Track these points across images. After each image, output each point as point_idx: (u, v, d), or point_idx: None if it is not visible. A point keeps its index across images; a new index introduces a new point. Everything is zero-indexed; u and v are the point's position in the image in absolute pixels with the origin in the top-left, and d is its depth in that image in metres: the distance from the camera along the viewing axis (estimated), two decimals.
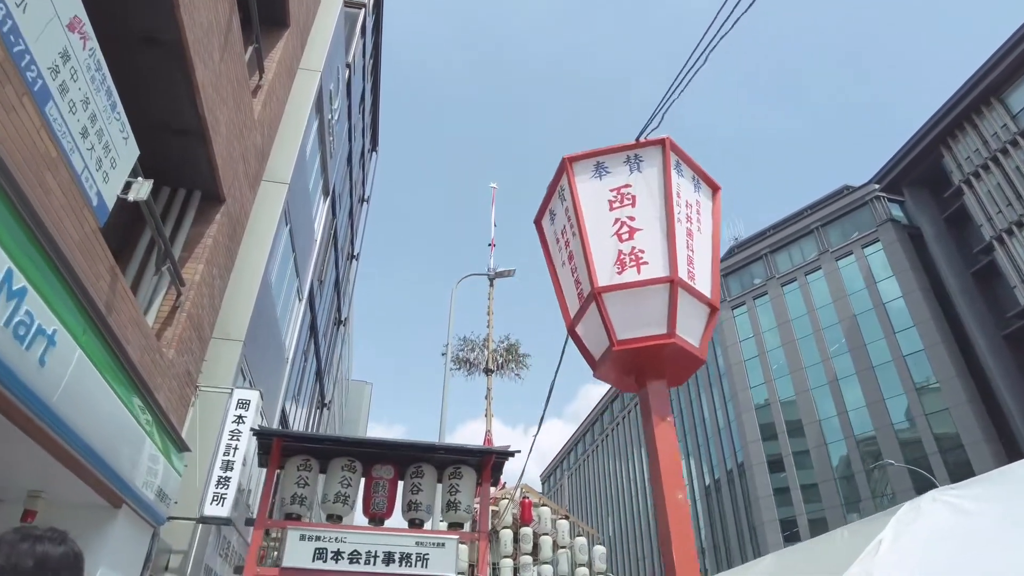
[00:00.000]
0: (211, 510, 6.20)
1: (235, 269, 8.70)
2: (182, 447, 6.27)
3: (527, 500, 18.65)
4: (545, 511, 18.14)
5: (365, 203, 26.96)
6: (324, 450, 6.55)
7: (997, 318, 33.33)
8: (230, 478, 6.37)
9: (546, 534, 17.77)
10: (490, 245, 24.66)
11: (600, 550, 17.98)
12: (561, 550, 17.67)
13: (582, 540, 17.99)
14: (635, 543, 57.68)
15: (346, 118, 17.26)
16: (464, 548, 7.43)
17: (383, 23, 24.35)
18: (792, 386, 40.66)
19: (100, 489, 4.73)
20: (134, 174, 4.77)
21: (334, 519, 6.32)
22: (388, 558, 6.09)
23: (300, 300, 12.85)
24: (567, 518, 18.72)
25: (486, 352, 25.79)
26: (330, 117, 13.27)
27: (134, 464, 5.25)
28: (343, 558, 6.00)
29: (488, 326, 25.87)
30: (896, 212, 40.29)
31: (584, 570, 17.57)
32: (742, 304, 45.96)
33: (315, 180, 13.06)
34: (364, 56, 21.28)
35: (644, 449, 56.85)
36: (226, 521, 6.28)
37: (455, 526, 6.56)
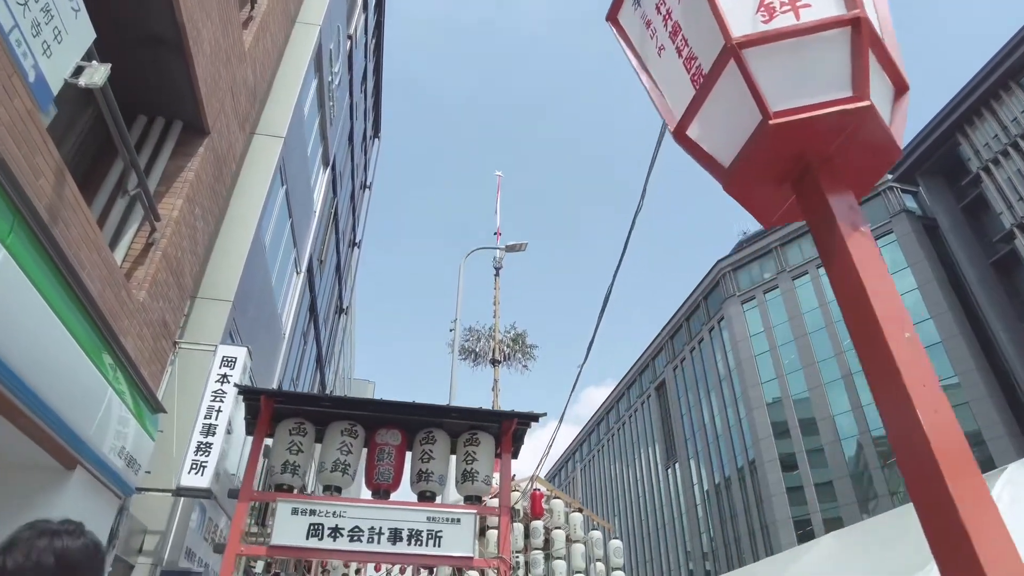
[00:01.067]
0: (189, 480, 5.34)
1: (225, 222, 7.88)
2: (156, 407, 5.41)
3: (538, 492, 17.75)
4: (557, 504, 17.22)
5: (367, 189, 26.13)
6: (321, 413, 5.68)
7: (1018, 309, 32.37)
8: (212, 444, 5.52)
9: (558, 528, 16.87)
10: (496, 234, 23.88)
11: (617, 544, 17.08)
12: (575, 544, 16.76)
13: (597, 534, 17.09)
14: (645, 542, 56.64)
15: (347, 92, 16.43)
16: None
17: (385, 8, 23.58)
18: (804, 381, 39.71)
19: (44, 442, 3.86)
20: (89, 58, 3.92)
21: (332, 491, 5.44)
22: (395, 535, 5.22)
23: (298, 273, 12.00)
24: (581, 511, 17.83)
25: (492, 342, 25.02)
26: (330, 79, 12.43)
27: (93, 420, 4.39)
28: (342, 535, 5.12)
29: (495, 316, 25.06)
30: (909, 203, 39.39)
31: (600, 565, 16.67)
32: (752, 299, 45.04)
33: (314, 145, 12.21)
34: (367, 33, 20.47)
35: (654, 446, 55.87)
36: (205, 493, 5.41)
37: (472, 500, 5.68)
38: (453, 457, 6.00)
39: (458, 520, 5.42)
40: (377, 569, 21.73)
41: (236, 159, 7.28)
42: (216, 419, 5.64)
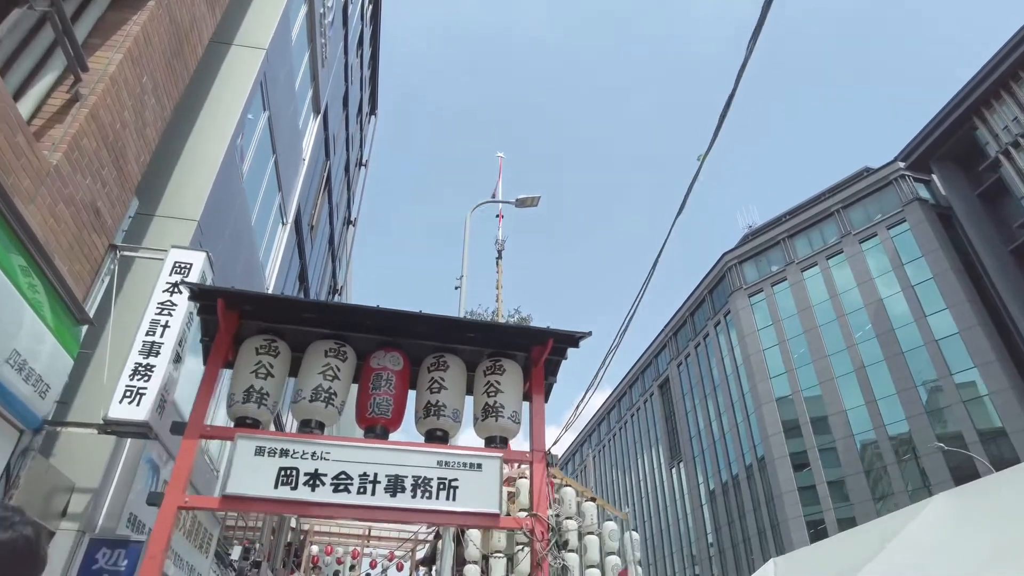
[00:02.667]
0: (120, 411, 4.01)
1: (194, 133, 6.60)
2: (80, 318, 4.07)
3: (550, 480, 16.40)
4: (568, 492, 15.89)
5: (363, 167, 24.82)
6: (300, 332, 4.36)
7: None
8: (153, 368, 4.19)
9: (570, 518, 15.54)
10: (498, 216, 22.58)
11: (634, 536, 15.75)
12: (588, 537, 15.43)
13: (612, 525, 15.75)
14: (649, 544, 55.14)
15: (341, 45, 15.15)
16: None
17: None
18: (815, 375, 38.42)
19: None
20: None
21: (313, 428, 4.11)
22: (395, 484, 3.90)
23: (284, 224, 10.68)
24: (594, 500, 16.47)
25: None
26: (321, 12, 11.15)
27: None
28: (324, 483, 3.81)
29: (497, 300, 23.75)
30: (922, 192, 38.24)
31: (615, 559, 15.33)
32: (759, 291, 43.78)
33: (303, 83, 10.92)
34: None
35: (658, 445, 54.46)
36: (142, 429, 4.08)
37: (496, 442, 4.36)
38: (469, 399, 4.69)
39: (478, 466, 4.10)
40: (372, 566, 20.26)
41: (202, 41, 5.97)
42: (161, 336, 4.30)
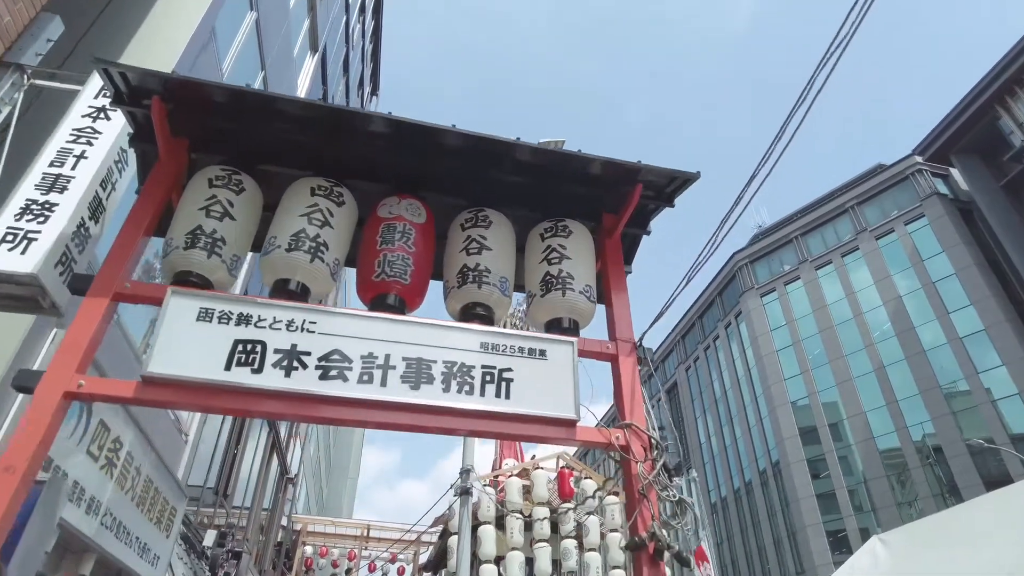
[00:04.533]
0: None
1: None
2: None
3: (567, 471, 14.95)
4: (590, 486, 14.43)
5: None
6: (270, 146, 2.97)
7: None
8: (54, 208, 2.80)
9: (592, 513, 14.06)
10: None
11: None
12: (612, 534, 13.93)
13: None
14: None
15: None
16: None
17: None
18: (832, 376, 36.96)
19: None
20: None
21: (293, 291, 2.71)
22: (419, 371, 2.50)
23: None
24: (617, 495, 14.98)
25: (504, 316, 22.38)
26: None
27: None
28: (305, 364, 2.40)
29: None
30: (940, 186, 37.03)
31: None
32: (771, 291, 42.42)
33: (297, 6, 9.61)
34: None
35: (673, 444, 52.89)
36: (30, 288, 2.67)
37: (562, 325, 2.96)
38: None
39: (541, 353, 2.70)
40: (371, 569, 18.64)
41: None
42: (73, 170, 2.92)
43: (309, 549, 15.78)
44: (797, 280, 41.30)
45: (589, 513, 13.70)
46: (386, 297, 2.75)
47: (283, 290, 2.65)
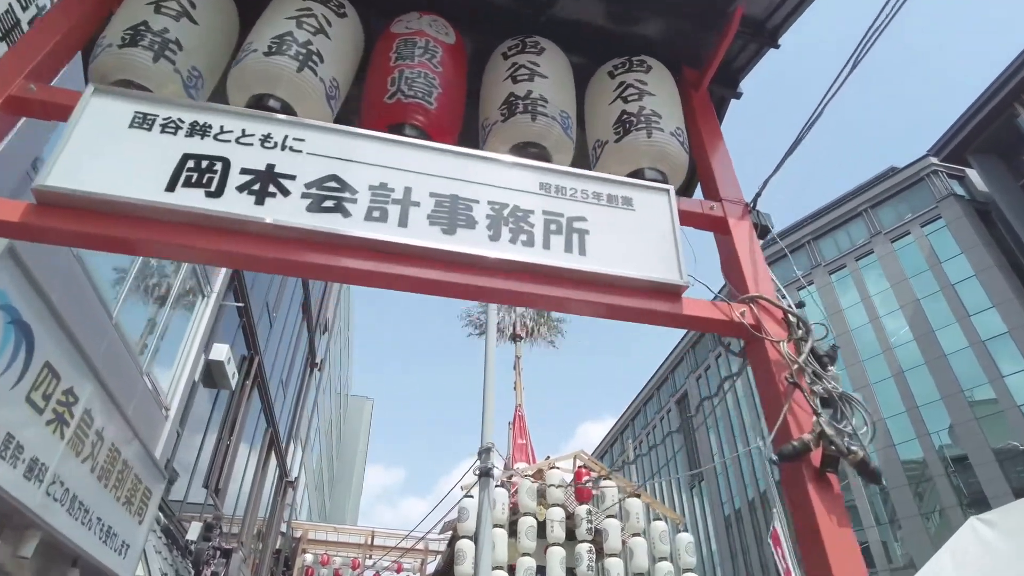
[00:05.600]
0: None
1: None
2: None
3: (583, 470, 14.03)
4: (609, 487, 13.50)
5: None
6: None
7: None
8: None
9: (612, 517, 13.12)
10: None
11: (686, 539, 13.28)
12: (634, 539, 12.98)
13: (661, 525, 13.30)
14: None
15: None
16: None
17: None
18: (850, 382, 35.87)
19: None
20: None
21: (273, 110, 1.90)
22: (453, 213, 1.68)
23: None
24: (638, 496, 14.06)
25: (512, 315, 21.56)
26: None
27: None
28: (285, 191, 1.58)
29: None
30: (957, 188, 36.23)
31: (667, 564, 12.85)
32: (783, 297, 41.44)
33: None
34: None
35: (676, 465, 51.61)
36: None
37: (649, 174, 2.13)
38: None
39: (627, 202, 1.88)
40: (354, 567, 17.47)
41: None
42: None
43: (310, 557, 14.84)
44: (810, 286, 40.43)
45: (611, 516, 12.77)
46: (402, 127, 1.94)
47: (259, 101, 1.85)
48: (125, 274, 4.82)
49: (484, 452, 5.92)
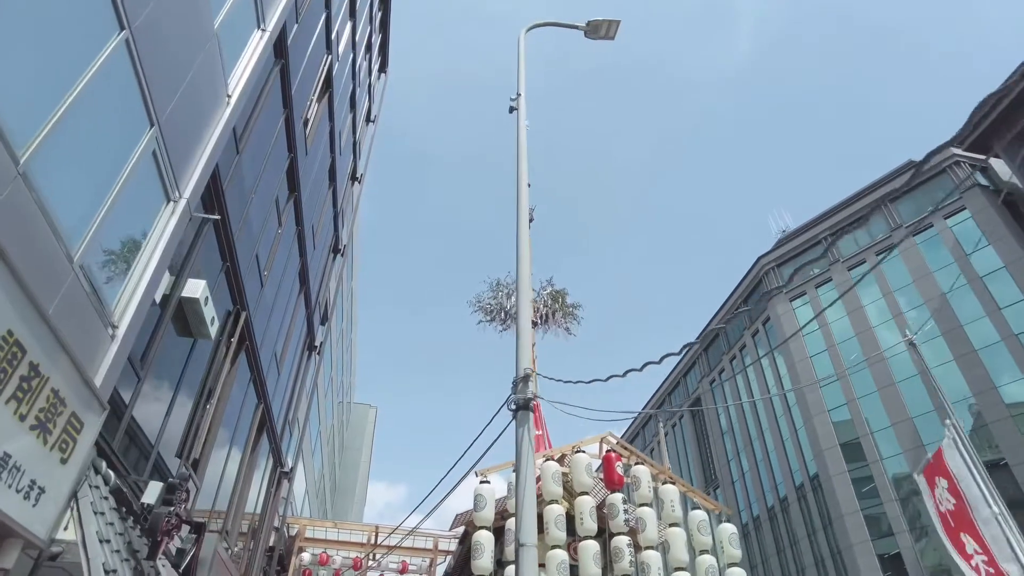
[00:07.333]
0: None
1: None
2: None
3: (612, 455, 12.62)
4: (642, 472, 12.09)
5: (372, 123, 21.74)
6: None
7: None
8: None
9: (647, 504, 11.70)
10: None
11: (729, 530, 11.82)
12: (671, 530, 11.54)
13: (700, 514, 11.86)
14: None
15: None
16: None
17: None
18: (873, 381, 34.39)
19: None
20: None
21: None
22: None
23: (262, 29, 7.36)
24: (674, 482, 12.67)
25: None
26: None
27: None
28: None
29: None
30: (980, 179, 34.95)
31: (708, 558, 11.39)
32: (802, 294, 40.18)
33: None
34: None
35: (690, 472, 49.76)
36: None
37: None
38: None
39: None
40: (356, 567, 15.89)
41: None
42: None
43: (307, 556, 13.41)
44: (829, 282, 39.08)
45: (644, 504, 11.36)
46: None
47: None
48: (50, 111, 3.54)
49: (521, 381, 4.60)
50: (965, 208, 34.22)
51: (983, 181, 35.06)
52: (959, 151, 35.53)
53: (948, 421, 9.02)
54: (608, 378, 5.25)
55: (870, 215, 38.78)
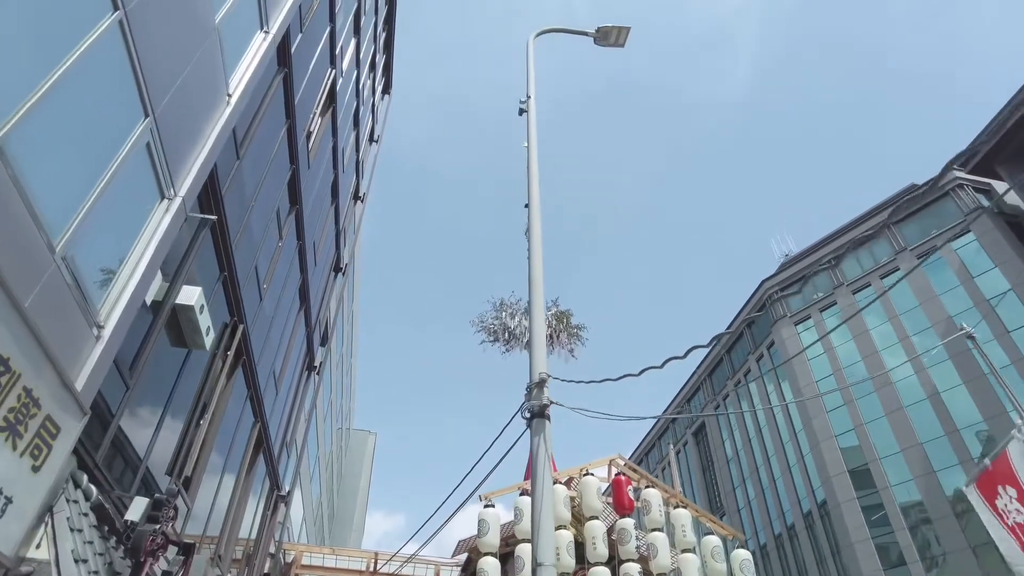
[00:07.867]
0: None
1: None
2: None
3: (622, 478, 12.17)
4: (653, 495, 11.62)
5: (375, 143, 21.66)
6: None
7: None
8: None
9: (658, 529, 11.22)
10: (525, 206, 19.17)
11: (742, 555, 11.33)
12: (684, 555, 11.05)
13: (714, 540, 11.36)
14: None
15: None
16: None
17: None
18: (880, 406, 33.84)
19: None
20: None
21: None
22: None
23: (265, 31, 7.17)
24: (685, 506, 12.19)
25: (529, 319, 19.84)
26: None
27: None
28: None
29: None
30: (984, 201, 34.85)
31: None
32: (807, 318, 39.79)
33: None
34: None
35: (694, 500, 48.79)
36: None
37: None
38: None
39: None
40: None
41: None
42: None
43: None
44: (834, 306, 38.73)
45: (656, 529, 10.89)
46: None
47: None
48: (33, 86, 3.28)
49: (536, 386, 4.24)
50: (970, 231, 34.06)
51: (986, 202, 34.99)
52: (962, 173, 35.52)
53: (1019, 422, 8.45)
54: (619, 378, 4.95)
55: (873, 238, 38.59)
